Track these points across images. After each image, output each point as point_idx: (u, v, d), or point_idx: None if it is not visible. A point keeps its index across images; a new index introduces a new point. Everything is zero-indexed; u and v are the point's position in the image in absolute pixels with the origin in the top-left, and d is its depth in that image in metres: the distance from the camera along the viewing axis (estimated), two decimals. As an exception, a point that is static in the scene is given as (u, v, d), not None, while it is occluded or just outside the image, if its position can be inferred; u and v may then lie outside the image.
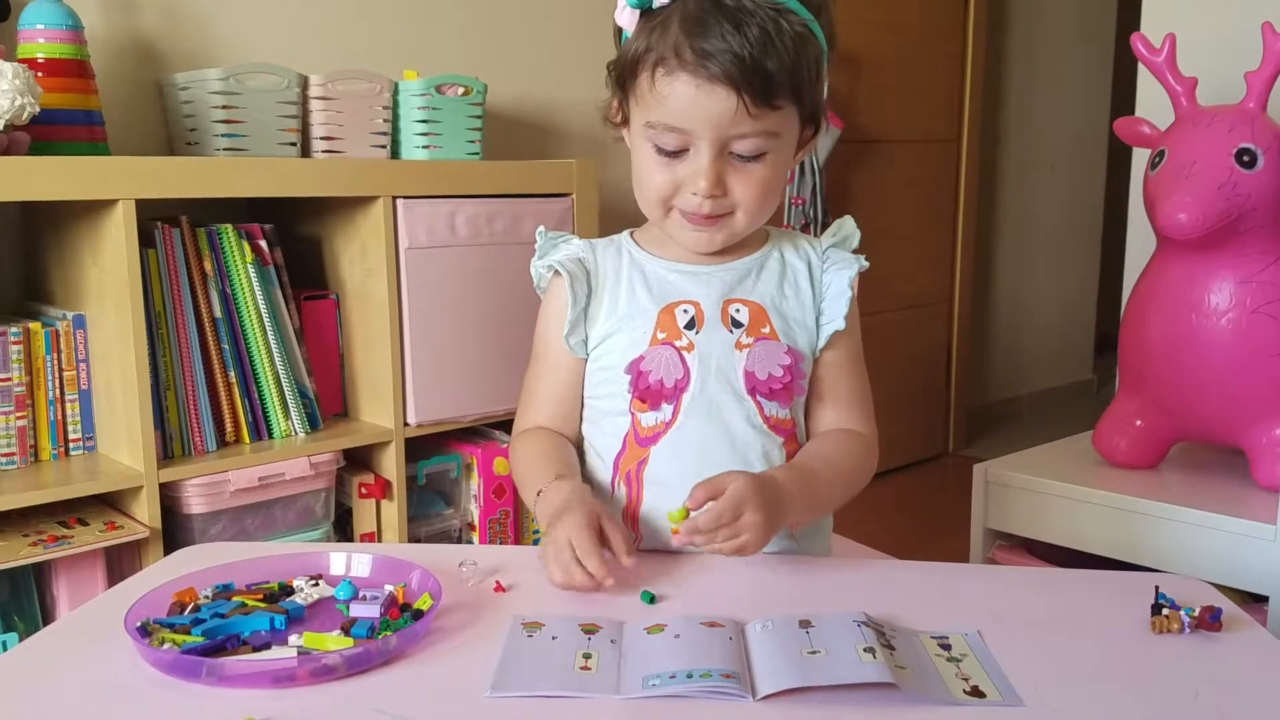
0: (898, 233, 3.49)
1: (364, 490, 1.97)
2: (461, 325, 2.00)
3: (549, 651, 0.86)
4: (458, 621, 0.92)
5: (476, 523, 2.10)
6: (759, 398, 1.13)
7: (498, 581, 1.00)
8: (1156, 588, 0.94)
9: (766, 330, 1.15)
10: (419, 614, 0.89)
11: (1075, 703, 0.80)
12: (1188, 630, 0.90)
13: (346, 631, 0.87)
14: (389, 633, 0.85)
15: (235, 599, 0.92)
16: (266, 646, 0.85)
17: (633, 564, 0.98)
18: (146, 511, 1.69)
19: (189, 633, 0.86)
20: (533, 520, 2.15)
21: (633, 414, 1.14)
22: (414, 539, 2.01)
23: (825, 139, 3.01)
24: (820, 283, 1.19)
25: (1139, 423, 1.80)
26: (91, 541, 1.62)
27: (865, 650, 0.83)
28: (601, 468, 1.18)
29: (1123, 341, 1.81)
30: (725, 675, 0.80)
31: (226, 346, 1.81)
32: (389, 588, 0.94)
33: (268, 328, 1.85)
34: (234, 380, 1.82)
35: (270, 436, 1.88)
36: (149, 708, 0.78)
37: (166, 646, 0.83)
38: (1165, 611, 0.91)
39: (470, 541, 2.11)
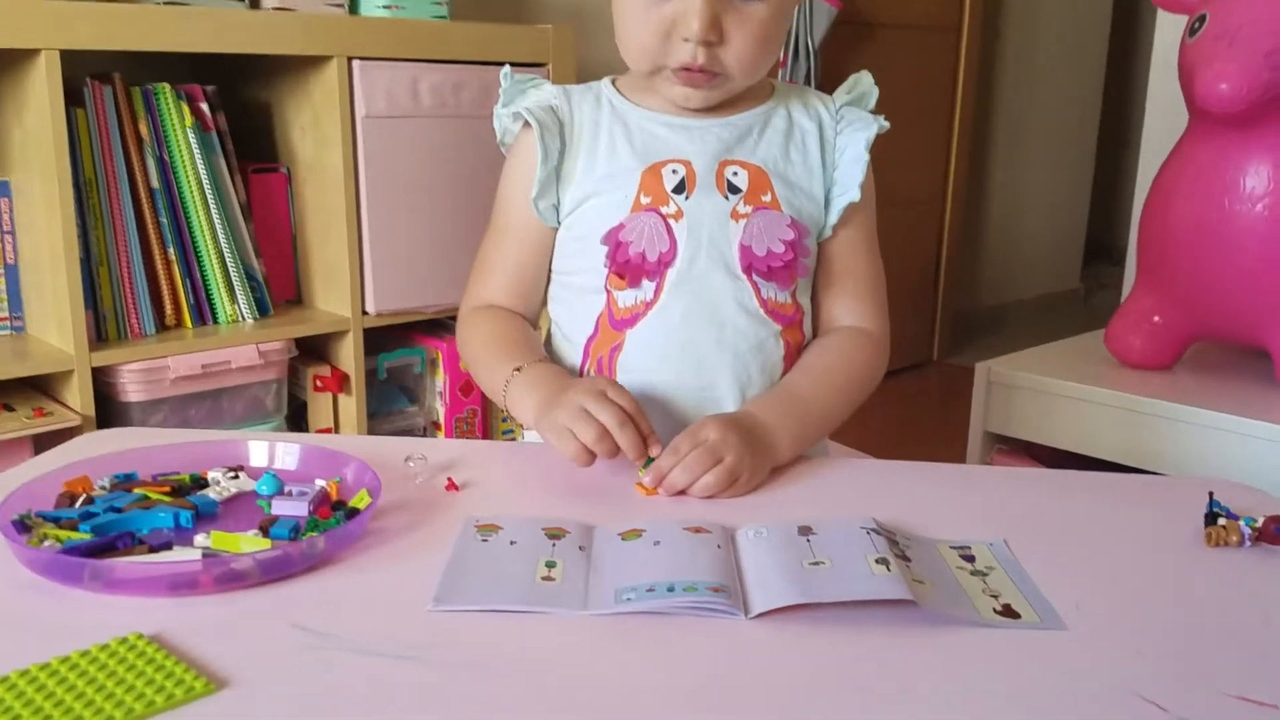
0: (892, 125, 3.32)
1: (319, 383, 1.84)
2: (426, 205, 1.85)
3: (506, 559, 0.73)
4: (400, 523, 0.79)
5: (442, 421, 1.98)
6: (755, 277, 1.00)
7: (450, 478, 0.87)
8: (1211, 494, 0.82)
9: (768, 198, 1.01)
10: (354, 513, 0.76)
11: (1124, 625, 0.68)
12: (1249, 543, 0.78)
13: (265, 532, 0.73)
14: (316, 534, 0.72)
15: (136, 491, 0.78)
16: (167, 547, 0.72)
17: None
18: (79, 398, 1.57)
19: (76, 528, 0.72)
20: (504, 418, 2.03)
21: (609, 291, 1.01)
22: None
23: (822, 18, 2.83)
24: (833, 147, 1.05)
25: (1156, 319, 1.68)
26: (17, 429, 1.52)
27: (877, 561, 0.71)
28: (570, 352, 1.04)
29: (1143, 232, 1.68)
30: (713, 589, 0.68)
31: (165, 220, 1.66)
32: (320, 483, 0.81)
33: (210, 201, 1.69)
34: (173, 258, 1.67)
35: (215, 321, 1.74)
36: (14, 617, 0.65)
37: (47, 544, 0.70)
38: (1222, 521, 0.79)
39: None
